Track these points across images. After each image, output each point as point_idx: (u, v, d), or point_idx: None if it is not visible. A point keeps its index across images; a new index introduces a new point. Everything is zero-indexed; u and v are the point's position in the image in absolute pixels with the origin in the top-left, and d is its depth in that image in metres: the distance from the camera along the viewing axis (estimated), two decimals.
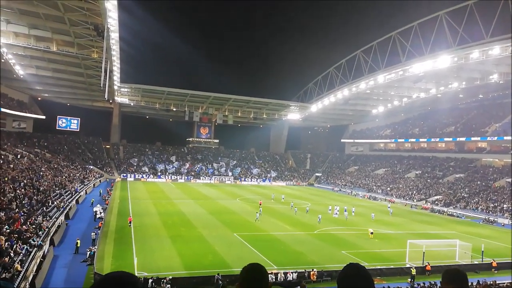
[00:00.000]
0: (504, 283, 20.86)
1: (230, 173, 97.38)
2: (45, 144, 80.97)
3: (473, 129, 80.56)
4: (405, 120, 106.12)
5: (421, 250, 27.97)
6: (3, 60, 56.06)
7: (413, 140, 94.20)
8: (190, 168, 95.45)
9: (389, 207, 57.14)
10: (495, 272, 27.21)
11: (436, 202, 63.53)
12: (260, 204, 53.01)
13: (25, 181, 39.67)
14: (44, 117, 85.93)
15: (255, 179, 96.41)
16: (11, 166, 44.57)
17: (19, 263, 19.81)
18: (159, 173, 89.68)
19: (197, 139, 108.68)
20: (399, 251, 30.59)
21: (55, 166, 62.07)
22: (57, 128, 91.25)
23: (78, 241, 27.75)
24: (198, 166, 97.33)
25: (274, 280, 22.85)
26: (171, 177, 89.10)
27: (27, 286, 19.03)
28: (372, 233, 36.66)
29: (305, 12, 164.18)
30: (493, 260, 28.36)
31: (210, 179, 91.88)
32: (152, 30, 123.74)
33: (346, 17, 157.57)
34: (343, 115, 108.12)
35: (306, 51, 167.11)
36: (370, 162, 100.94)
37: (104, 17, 43.84)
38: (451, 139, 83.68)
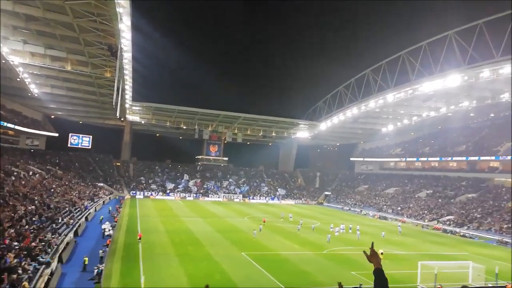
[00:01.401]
0: None
1: (238, 191, 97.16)
2: (57, 161, 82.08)
3: (484, 148, 79.48)
4: (415, 138, 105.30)
5: (433, 271, 27.33)
6: (18, 79, 57.62)
7: (424, 159, 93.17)
8: (199, 185, 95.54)
9: (399, 226, 56.82)
10: None
11: (448, 222, 62.33)
12: (264, 222, 53.34)
13: (36, 198, 40.13)
14: (57, 134, 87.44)
15: (264, 197, 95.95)
16: (23, 182, 45.20)
17: (27, 280, 19.90)
18: (168, 191, 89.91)
19: (207, 157, 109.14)
20: (410, 273, 29.92)
21: (66, 183, 62.73)
22: (69, 145, 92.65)
23: (86, 259, 27.79)
24: (207, 183, 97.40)
25: None
26: (180, 194, 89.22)
27: None
28: (382, 253, 36.03)
29: (314, 31, 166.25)
30: (508, 283, 27.52)
31: (218, 197, 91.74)
32: (164, 49, 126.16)
33: (355, 36, 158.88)
34: (352, 133, 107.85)
35: (315, 70, 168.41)
36: (380, 181, 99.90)
37: (117, 37, 45.02)
38: (462, 158, 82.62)
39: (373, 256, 3.11)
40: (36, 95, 67.65)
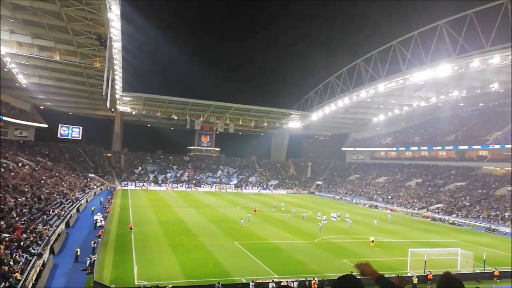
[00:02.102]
0: None
1: (230, 181, 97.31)
2: (47, 152, 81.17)
3: (474, 138, 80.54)
4: (405, 128, 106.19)
5: (422, 258, 27.85)
6: (5, 69, 56.58)
7: (414, 148, 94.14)
8: (191, 176, 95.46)
9: (388, 213, 57.89)
10: (497, 281, 27.02)
11: (437, 210, 63.32)
12: (255, 211, 54.21)
13: (26, 189, 39.76)
14: (46, 125, 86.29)
15: (256, 187, 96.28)
16: (12, 174, 44.70)
17: (19, 271, 19.81)
18: (160, 182, 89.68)
19: (198, 148, 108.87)
20: (401, 260, 30.46)
21: (56, 175, 62.19)
22: (58, 136, 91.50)
23: (78, 250, 27.72)
24: (199, 174, 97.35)
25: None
26: (172, 185, 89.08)
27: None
28: (373, 241, 36.56)
29: (306, 21, 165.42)
30: (495, 269, 28.19)
31: (210, 187, 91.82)
32: (154, 39, 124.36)
33: (347, 26, 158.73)
34: (343, 123, 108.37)
35: (306, 60, 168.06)
36: (371, 171, 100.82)
37: (107, 27, 44.36)
38: (452, 147, 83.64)
39: (364, 269, 2.89)
40: (24, 85, 66.56)
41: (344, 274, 2.43)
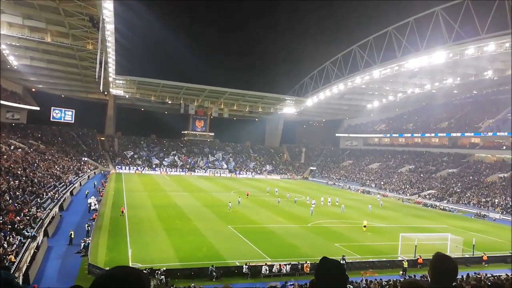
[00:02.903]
0: (497, 275, 21.18)
1: (225, 166, 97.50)
2: (39, 135, 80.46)
3: (466, 125, 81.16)
4: (399, 115, 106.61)
5: (413, 243, 28.34)
6: None
7: (407, 135, 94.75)
8: (185, 160, 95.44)
9: (378, 198, 59.08)
10: (486, 265, 27.67)
11: (429, 196, 64.17)
12: (248, 195, 55.39)
13: (19, 172, 39.54)
14: (38, 108, 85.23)
15: (250, 172, 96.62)
16: (5, 157, 44.34)
17: (13, 254, 19.85)
18: (154, 166, 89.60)
19: (193, 132, 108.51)
20: (392, 244, 30.95)
21: (49, 158, 61.81)
22: (51, 119, 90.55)
23: (72, 233, 27.80)
24: (193, 159, 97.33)
25: (267, 271, 23.09)
26: (166, 169, 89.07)
27: (21, 276, 19.08)
28: (365, 226, 37.00)
29: (302, 5, 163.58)
30: (484, 253, 28.83)
31: (205, 172, 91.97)
32: (148, 22, 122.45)
33: (343, 11, 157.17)
34: (338, 109, 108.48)
35: (302, 45, 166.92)
36: (364, 157, 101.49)
37: (99, 8, 43.52)
38: (444, 134, 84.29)
39: None
40: (15, 67, 65.39)
41: (324, 256, 2.50)
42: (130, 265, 22.97)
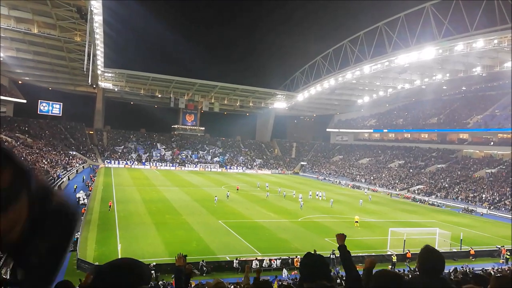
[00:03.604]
0: (485, 269, 21.49)
1: (215, 161, 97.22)
2: (26, 128, 79.09)
3: (455, 121, 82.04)
4: (389, 110, 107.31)
5: (402, 238, 28.60)
6: None
7: (397, 130, 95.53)
8: (175, 155, 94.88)
9: (366, 192, 59.86)
10: (473, 259, 28.06)
11: (418, 191, 64.86)
12: (237, 189, 56.01)
13: None
14: (25, 101, 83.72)
15: (241, 167, 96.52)
16: None
17: None
18: (143, 160, 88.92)
19: (183, 126, 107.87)
20: (381, 239, 31.21)
21: (37, 152, 60.87)
22: (38, 112, 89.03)
23: None
24: (183, 153, 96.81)
25: (258, 266, 23.06)
26: (156, 164, 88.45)
27: (9, 271, 18.72)
28: (357, 222, 37.09)
29: (293, 0, 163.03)
30: (471, 248, 29.24)
31: (195, 167, 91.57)
32: (137, 14, 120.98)
33: (334, 6, 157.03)
34: (329, 104, 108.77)
35: (293, 40, 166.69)
36: (355, 152, 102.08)
37: None
38: (433, 130, 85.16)
39: (340, 237, 3.91)
40: (1, 58, 64.11)
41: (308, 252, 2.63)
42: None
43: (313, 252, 2.90)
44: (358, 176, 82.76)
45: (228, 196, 47.84)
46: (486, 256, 29.30)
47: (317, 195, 54.82)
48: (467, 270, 20.50)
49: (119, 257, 22.14)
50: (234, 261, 23.11)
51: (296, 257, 24.38)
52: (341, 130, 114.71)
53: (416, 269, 3.04)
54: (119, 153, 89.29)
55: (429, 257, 2.77)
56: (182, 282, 4.07)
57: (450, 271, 20.32)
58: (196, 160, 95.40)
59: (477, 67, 66.85)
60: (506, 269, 20.04)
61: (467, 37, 53.17)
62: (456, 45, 55.63)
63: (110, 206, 37.48)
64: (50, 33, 54.61)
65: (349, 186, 76.07)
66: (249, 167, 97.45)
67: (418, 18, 57.54)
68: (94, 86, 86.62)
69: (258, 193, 56.44)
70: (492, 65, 63.54)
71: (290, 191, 58.06)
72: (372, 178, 78.71)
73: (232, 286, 14.86)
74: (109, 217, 34.08)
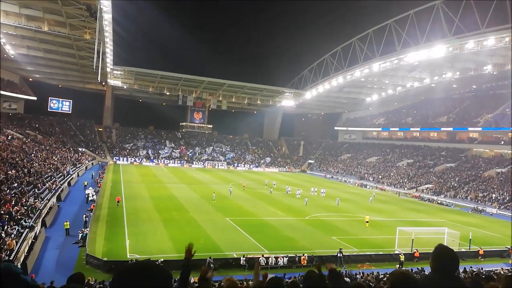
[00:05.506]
0: (493, 270, 21.33)
1: (223, 159, 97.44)
2: (37, 125, 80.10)
3: (465, 120, 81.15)
4: (398, 109, 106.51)
5: (410, 237, 28.43)
6: None
7: (406, 129, 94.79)
8: (183, 152, 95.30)
9: (368, 189, 60.04)
10: (482, 260, 27.82)
11: (426, 190, 64.36)
12: (244, 187, 56.77)
13: (16, 163, 39.36)
14: (35, 98, 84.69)
15: (248, 165, 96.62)
16: (2, 147, 44.12)
17: (12, 239, 19.79)
18: (152, 157, 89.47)
19: (191, 124, 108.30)
20: (389, 238, 31.06)
21: (47, 148, 61.56)
22: (48, 109, 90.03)
23: (67, 223, 27.64)
24: (191, 150, 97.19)
25: (265, 263, 23.13)
26: (164, 161, 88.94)
27: (19, 266, 19.05)
28: (367, 222, 36.88)
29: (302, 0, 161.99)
30: (480, 248, 28.98)
31: (203, 164, 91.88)
32: (147, 13, 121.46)
33: (343, 4, 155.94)
34: (337, 102, 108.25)
35: (302, 37, 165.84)
36: (363, 150, 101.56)
37: None
38: (443, 128, 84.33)
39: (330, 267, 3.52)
40: (12, 56, 64.87)
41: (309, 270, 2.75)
42: (128, 256, 23.00)
43: (314, 270, 2.97)
44: (366, 174, 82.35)
45: (231, 193, 48.20)
46: (495, 256, 29.03)
47: (322, 192, 55.16)
48: (479, 270, 20.32)
49: (127, 253, 22.36)
50: (241, 258, 23.20)
51: (303, 255, 24.39)
52: (349, 128, 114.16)
53: (422, 268, 3.02)
54: (127, 150, 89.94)
55: (443, 255, 2.76)
56: (186, 282, 3.38)
57: (459, 271, 20.18)
58: (204, 157, 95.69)
59: (488, 65, 66.03)
60: None
61: (478, 35, 52.45)
62: (466, 43, 54.96)
63: (118, 201, 37.83)
64: (60, 31, 55.10)
65: (357, 185, 75.78)
66: (257, 165, 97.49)
67: (428, 15, 56.86)
68: (104, 83, 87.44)
69: (265, 191, 56.51)
70: (503, 63, 62.69)
71: (297, 189, 57.99)
72: (380, 176, 78.27)
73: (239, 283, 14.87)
74: (118, 214, 34.40)
